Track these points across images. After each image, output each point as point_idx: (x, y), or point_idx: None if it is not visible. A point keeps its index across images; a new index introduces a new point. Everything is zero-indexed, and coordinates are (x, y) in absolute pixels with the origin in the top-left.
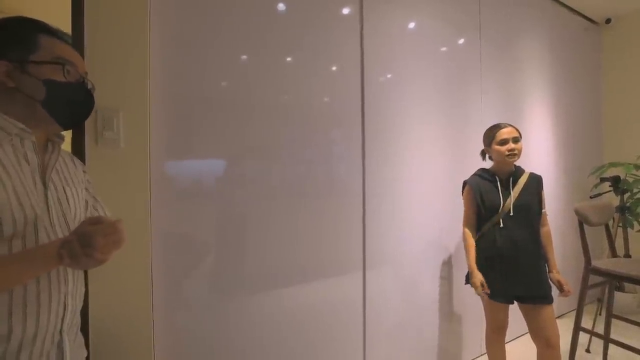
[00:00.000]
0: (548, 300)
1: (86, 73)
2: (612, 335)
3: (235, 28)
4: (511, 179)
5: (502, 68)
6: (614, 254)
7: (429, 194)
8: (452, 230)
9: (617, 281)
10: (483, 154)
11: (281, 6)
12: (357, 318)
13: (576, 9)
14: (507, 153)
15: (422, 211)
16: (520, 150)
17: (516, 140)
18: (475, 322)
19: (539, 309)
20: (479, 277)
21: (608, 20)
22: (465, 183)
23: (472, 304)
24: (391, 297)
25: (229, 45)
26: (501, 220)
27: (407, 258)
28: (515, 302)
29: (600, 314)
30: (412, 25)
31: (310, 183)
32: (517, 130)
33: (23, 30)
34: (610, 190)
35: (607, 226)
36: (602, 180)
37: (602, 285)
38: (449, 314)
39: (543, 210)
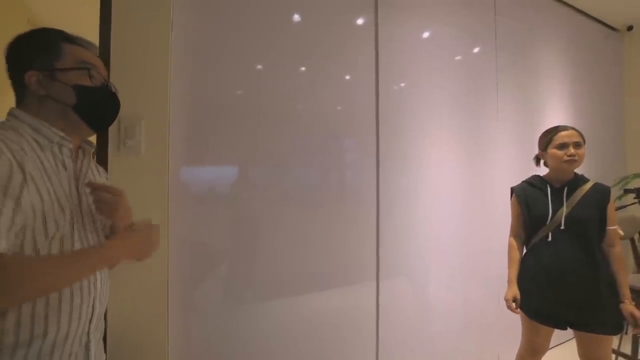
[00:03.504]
0: (607, 330)
1: (108, 76)
2: None
3: (252, 38)
4: (566, 188)
5: (519, 76)
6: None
7: (444, 203)
8: (469, 240)
9: None
10: (537, 159)
11: (297, 17)
12: (370, 328)
13: (596, 16)
14: (565, 158)
15: (438, 220)
16: (581, 157)
17: (578, 145)
18: (490, 335)
19: (593, 338)
20: (512, 292)
21: (630, 28)
22: (512, 190)
23: (488, 316)
24: (405, 307)
25: (245, 55)
26: (550, 234)
27: (422, 268)
28: (567, 327)
29: (626, 333)
30: (427, 34)
31: (324, 191)
32: (580, 134)
33: (46, 40)
34: (635, 202)
35: (632, 240)
36: (626, 191)
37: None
38: (464, 325)
39: (610, 228)
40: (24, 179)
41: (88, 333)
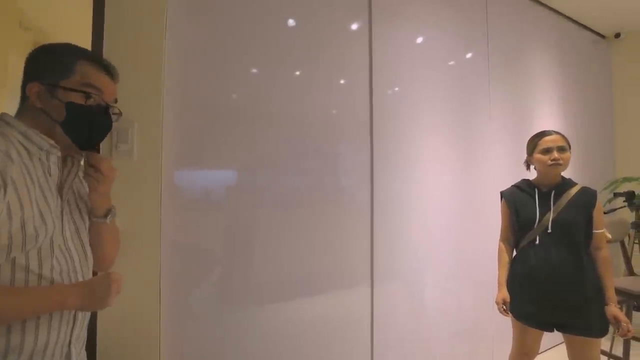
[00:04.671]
0: (593, 332)
1: (116, 100)
2: (632, 358)
3: (247, 42)
4: (553, 192)
5: (511, 82)
6: (630, 272)
7: (438, 207)
8: (462, 244)
9: (635, 301)
10: (527, 164)
11: (291, 21)
12: (364, 331)
13: (585, 23)
14: (550, 163)
15: (432, 224)
16: (566, 161)
17: (562, 149)
18: (484, 339)
19: (580, 340)
20: (502, 294)
21: (617, 35)
22: (501, 194)
23: (481, 319)
24: (399, 310)
25: (239, 59)
26: (537, 238)
27: (416, 272)
28: (555, 330)
29: (615, 335)
30: (420, 39)
31: (317, 194)
32: (565, 138)
33: (63, 56)
34: (624, 206)
35: (622, 243)
36: (616, 195)
37: (619, 305)
38: (458, 329)
39: (597, 231)
40: (3, 185)
41: (69, 343)
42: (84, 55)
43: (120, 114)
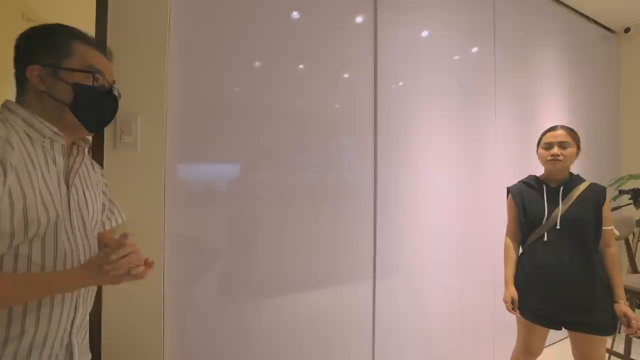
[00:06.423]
0: (601, 331)
1: (114, 81)
2: (633, 356)
3: (250, 35)
4: (562, 188)
5: (517, 76)
6: (634, 269)
7: (441, 202)
8: (465, 240)
9: (637, 298)
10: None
11: (295, 14)
12: (366, 327)
13: (594, 17)
14: (549, 158)
15: (435, 220)
16: (568, 157)
17: (563, 145)
18: (486, 335)
19: (587, 338)
20: (510, 292)
21: (627, 30)
22: (508, 190)
23: (483, 315)
24: (401, 306)
25: (243, 52)
26: (545, 234)
27: (418, 267)
28: (562, 327)
29: (619, 332)
30: (425, 33)
31: (321, 190)
32: (571, 134)
33: (58, 37)
34: (629, 203)
35: (627, 240)
36: (621, 192)
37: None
38: (460, 325)
39: (605, 228)
40: (3, 171)
41: (70, 334)
42: (77, 36)
43: (119, 94)
